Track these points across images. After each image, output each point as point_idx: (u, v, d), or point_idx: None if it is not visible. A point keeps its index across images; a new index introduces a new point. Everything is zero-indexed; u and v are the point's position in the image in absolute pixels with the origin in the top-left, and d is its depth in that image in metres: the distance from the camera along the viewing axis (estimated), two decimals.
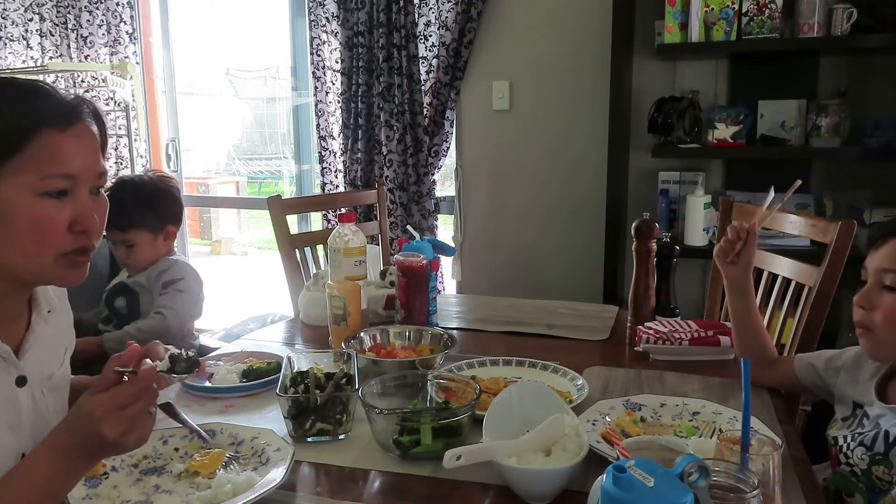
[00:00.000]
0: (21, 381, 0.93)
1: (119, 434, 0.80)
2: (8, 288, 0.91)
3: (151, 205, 1.87)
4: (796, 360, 1.34)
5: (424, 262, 1.64)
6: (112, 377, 0.83)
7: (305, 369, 1.25)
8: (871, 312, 1.12)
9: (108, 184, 1.24)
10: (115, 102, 3.44)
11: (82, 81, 3.52)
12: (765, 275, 1.74)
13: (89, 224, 0.89)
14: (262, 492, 0.94)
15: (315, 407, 1.13)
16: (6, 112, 0.85)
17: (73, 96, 0.91)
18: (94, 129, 0.92)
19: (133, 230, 1.85)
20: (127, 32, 3.40)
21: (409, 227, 2.60)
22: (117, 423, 0.80)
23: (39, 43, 3.51)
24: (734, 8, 2.29)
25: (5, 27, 3.52)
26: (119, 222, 1.82)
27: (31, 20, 3.49)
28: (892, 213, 2.24)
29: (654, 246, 1.64)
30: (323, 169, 3.11)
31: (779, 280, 1.69)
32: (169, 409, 1.09)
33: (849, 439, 1.17)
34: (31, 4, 3.47)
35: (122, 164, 3.46)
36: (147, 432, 0.84)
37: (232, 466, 1.04)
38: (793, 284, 1.64)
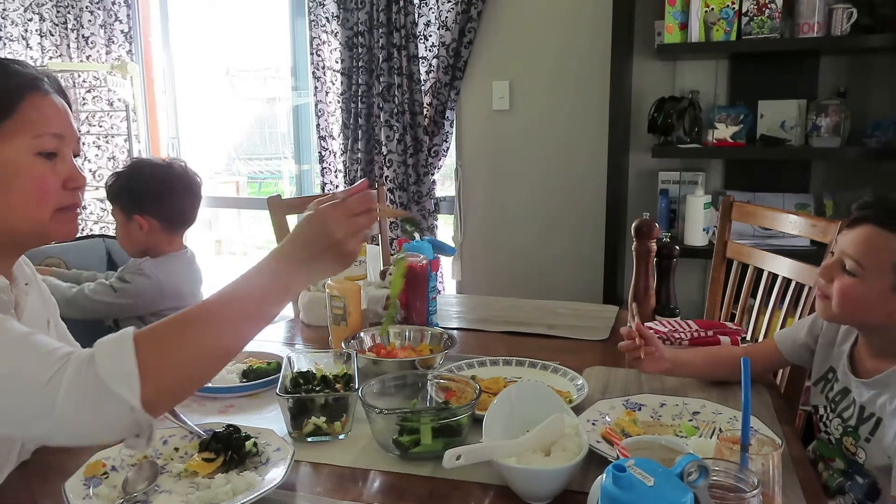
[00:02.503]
0: None
1: (344, 234, 0.88)
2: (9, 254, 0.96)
3: (128, 186, 1.78)
4: (777, 339, 1.36)
5: (424, 262, 1.64)
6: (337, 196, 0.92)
7: (305, 369, 1.25)
8: (829, 284, 1.17)
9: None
10: (112, 103, 3.44)
11: (83, 81, 3.52)
12: (765, 275, 1.74)
13: (81, 181, 0.98)
14: (262, 492, 0.94)
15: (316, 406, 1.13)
16: None
17: (38, 69, 0.99)
18: (62, 101, 0.99)
19: (112, 204, 1.81)
20: (124, 32, 3.40)
21: (409, 227, 2.60)
22: (344, 225, 0.88)
23: (39, 43, 3.51)
24: (734, 8, 2.29)
25: (5, 27, 3.52)
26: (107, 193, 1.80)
27: (30, 20, 3.49)
28: None
29: (654, 246, 1.64)
30: (323, 169, 3.11)
31: (779, 280, 1.69)
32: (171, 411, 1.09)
33: (828, 410, 1.24)
34: (31, 4, 3.47)
35: (122, 164, 3.46)
36: (359, 245, 0.91)
37: (232, 466, 1.04)
38: (793, 284, 1.64)
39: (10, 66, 0.95)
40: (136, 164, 1.86)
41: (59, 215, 0.96)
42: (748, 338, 1.72)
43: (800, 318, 1.57)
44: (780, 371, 1.60)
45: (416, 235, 1.72)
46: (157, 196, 1.79)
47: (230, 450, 1.04)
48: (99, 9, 3.39)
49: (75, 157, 1.00)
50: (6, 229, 0.93)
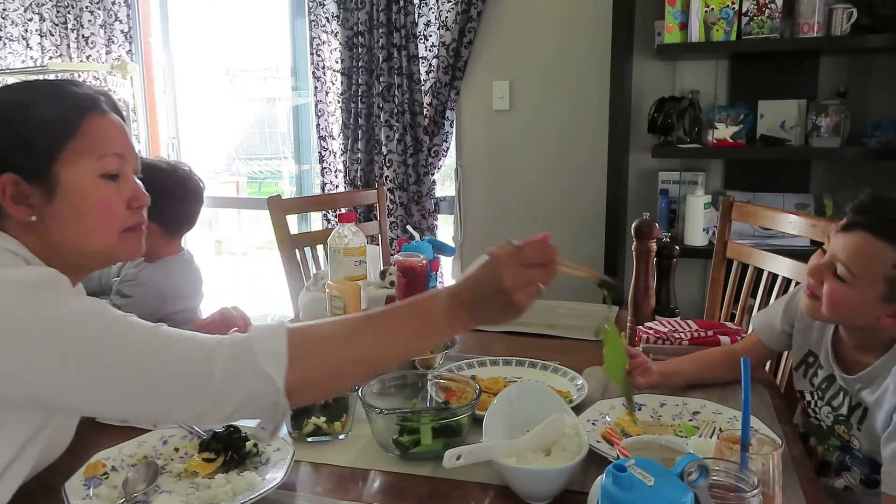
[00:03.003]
0: None
1: (513, 283, 0.87)
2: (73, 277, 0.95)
3: None
4: (757, 331, 1.37)
5: (424, 262, 1.64)
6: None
7: None
8: (819, 285, 1.16)
9: None
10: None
11: (84, 82, 3.51)
12: (765, 275, 1.74)
13: (145, 200, 0.99)
14: (262, 492, 0.94)
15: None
16: (56, 101, 0.91)
17: (95, 88, 0.98)
18: (118, 119, 0.99)
19: None
20: (124, 32, 3.40)
21: (409, 227, 2.60)
22: (515, 272, 0.88)
23: (39, 43, 3.51)
24: (734, 8, 2.29)
25: (5, 27, 3.52)
26: None
27: (30, 20, 3.49)
28: None
29: (654, 246, 1.64)
30: (323, 169, 3.11)
31: (779, 280, 1.69)
32: None
33: (816, 397, 1.25)
34: (31, 4, 3.46)
35: None
36: (531, 299, 0.89)
37: (232, 466, 1.04)
38: (793, 284, 1.63)
39: (67, 86, 0.94)
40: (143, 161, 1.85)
41: (125, 236, 0.96)
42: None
43: None
44: (780, 371, 1.61)
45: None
46: (158, 201, 1.77)
47: (230, 450, 1.04)
48: (99, 9, 3.38)
49: (136, 174, 1.00)
50: (75, 252, 0.93)
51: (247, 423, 1.02)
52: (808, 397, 1.28)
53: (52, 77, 3.47)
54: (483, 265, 0.91)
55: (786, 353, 1.53)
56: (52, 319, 0.78)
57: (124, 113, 1.03)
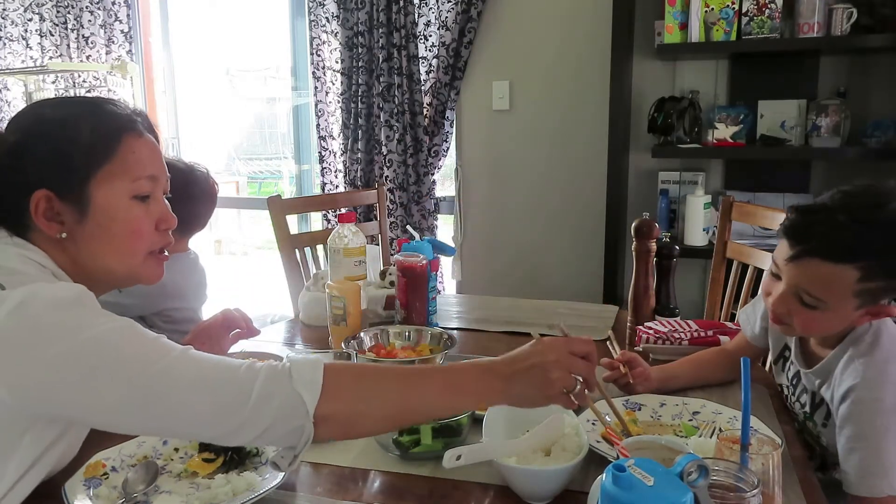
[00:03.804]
0: None
1: (556, 359, 0.89)
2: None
3: None
4: (742, 328, 1.38)
5: (424, 262, 1.64)
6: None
7: None
8: (788, 316, 1.12)
9: None
10: None
11: (83, 81, 3.52)
12: (765, 275, 1.74)
13: (172, 222, 0.99)
14: (262, 492, 0.94)
15: None
16: (93, 123, 0.91)
17: (131, 107, 0.98)
18: (152, 138, 0.99)
19: None
20: (124, 32, 3.40)
21: (409, 227, 2.60)
22: (561, 352, 0.90)
23: (39, 43, 3.51)
24: (734, 8, 2.29)
25: (5, 27, 3.52)
26: None
27: (30, 20, 3.49)
28: None
29: (654, 246, 1.64)
30: (323, 169, 3.11)
31: None
32: None
33: (789, 392, 1.26)
34: (30, 4, 3.47)
35: None
36: (566, 383, 0.90)
37: (232, 467, 1.04)
38: None
39: (105, 105, 0.95)
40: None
41: (150, 258, 0.97)
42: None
43: None
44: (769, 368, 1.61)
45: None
46: (177, 201, 1.79)
47: (230, 450, 1.04)
48: (99, 9, 3.39)
49: (165, 196, 1.00)
50: (100, 270, 0.94)
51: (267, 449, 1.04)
52: (786, 391, 1.28)
53: (85, 93, 3.49)
54: (531, 343, 0.94)
55: None
56: (86, 337, 0.78)
57: (157, 133, 1.04)
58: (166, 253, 1.00)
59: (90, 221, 0.91)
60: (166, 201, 0.99)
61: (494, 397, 0.91)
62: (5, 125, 0.95)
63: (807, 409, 1.21)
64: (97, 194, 0.90)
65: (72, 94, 1.02)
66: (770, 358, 1.34)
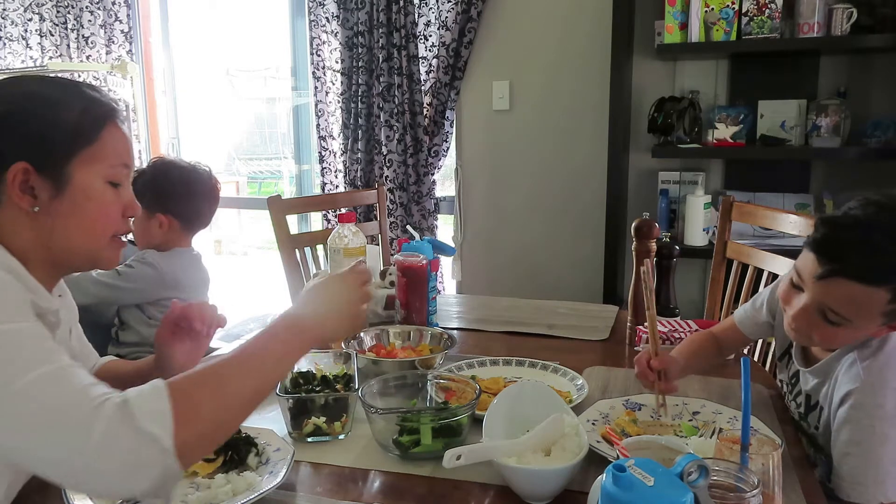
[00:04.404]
0: None
1: (360, 299, 1.00)
2: (48, 275, 0.95)
3: (154, 184, 1.82)
4: (738, 321, 1.36)
5: (424, 262, 1.64)
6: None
7: (305, 369, 1.25)
8: (808, 331, 1.09)
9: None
10: None
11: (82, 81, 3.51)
12: (765, 275, 1.74)
13: (137, 211, 1.01)
14: (262, 492, 0.94)
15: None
16: (81, 107, 0.93)
17: (112, 98, 1.00)
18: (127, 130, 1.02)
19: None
20: (124, 32, 3.40)
21: (409, 227, 2.60)
22: (363, 294, 1.00)
23: (39, 43, 3.51)
24: (734, 8, 2.29)
25: (5, 27, 3.52)
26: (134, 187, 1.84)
27: (30, 20, 3.49)
28: None
29: (654, 246, 1.64)
30: (323, 169, 3.11)
31: None
32: None
33: (786, 390, 1.26)
34: (30, 4, 3.47)
35: None
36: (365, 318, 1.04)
37: (232, 467, 1.04)
38: None
39: (90, 93, 0.96)
40: (161, 164, 1.90)
41: (112, 242, 0.99)
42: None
43: None
44: (768, 364, 1.62)
45: None
46: (182, 197, 1.86)
47: (230, 450, 1.04)
48: (99, 9, 3.39)
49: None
50: (65, 249, 0.94)
51: None
52: (784, 388, 1.28)
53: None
54: (325, 280, 1.01)
55: (773, 344, 1.53)
56: None
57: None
58: (124, 239, 1.02)
59: (65, 199, 0.91)
60: (132, 191, 1.02)
61: (315, 344, 0.95)
62: None
63: (801, 409, 1.20)
64: (77, 174, 0.92)
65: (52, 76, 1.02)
66: (775, 353, 1.33)
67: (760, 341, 1.70)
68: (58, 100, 0.92)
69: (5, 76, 1.05)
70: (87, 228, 0.94)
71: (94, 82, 3.45)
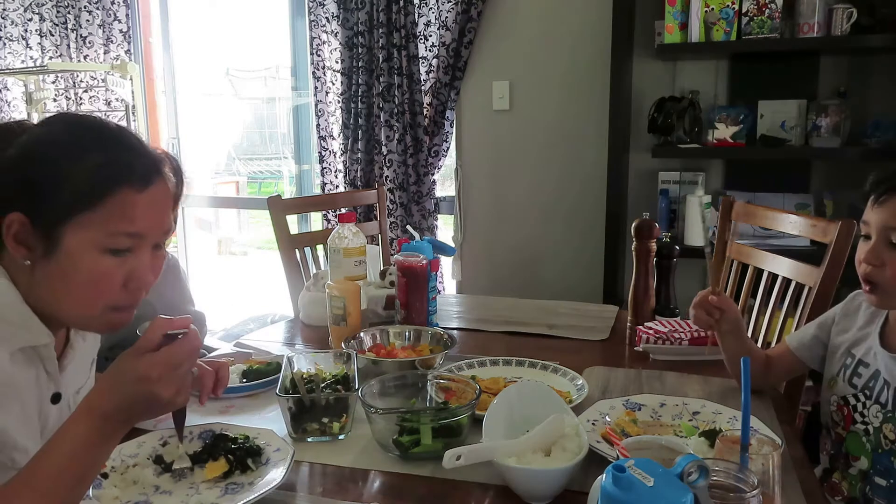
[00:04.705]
0: (56, 398, 0.94)
1: (173, 393, 0.79)
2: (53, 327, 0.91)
3: None
4: (790, 343, 1.34)
5: (424, 262, 1.64)
6: (160, 340, 0.81)
7: (305, 369, 1.25)
8: (880, 268, 1.12)
9: None
10: (110, 102, 3.44)
11: (81, 81, 3.52)
12: (765, 275, 1.74)
13: (144, 282, 0.90)
14: (262, 492, 0.94)
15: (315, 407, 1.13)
16: (94, 165, 0.84)
17: (158, 152, 0.91)
18: (173, 183, 0.92)
19: None
20: (124, 32, 3.40)
21: (409, 227, 2.60)
22: (173, 382, 0.79)
23: (39, 43, 3.51)
24: (734, 8, 2.29)
25: (5, 27, 3.52)
26: None
27: (30, 20, 3.49)
28: None
29: (654, 246, 1.64)
30: (323, 169, 3.11)
31: (779, 280, 1.69)
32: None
33: (862, 398, 1.19)
34: (30, 4, 3.47)
35: None
36: (188, 395, 0.84)
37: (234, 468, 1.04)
38: (793, 284, 1.63)
39: (120, 148, 0.87)
40: None
41: (109, 313, 0.89)
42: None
43: (799, 318, 1.57)
44: None
45: None
46: None
47: (234, 454, 1.03)
48: (99, 9, 3.39)
49: (164, 245, 0.93)
50: (53, 310, 0.88)
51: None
52: (851, 401, 1.21)
53: (50, 77, 3.46)
54: (119, 379, 0.80)
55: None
56: None
57: (184, 175, 0.96)
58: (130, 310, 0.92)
59: (54, 261, 0.85)
60: (152, 256, 0.91)
61: (119, 435, 0.81)
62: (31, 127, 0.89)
63: (889, 406, 1.14)
64: (68, 238, 0.84)
65: (101, 117, 0.94)
66: (827, 374, 1.28)
67: None
68: (74, 151, 0.84)
69: (60, 112, 0.97)
70: (75, 297, 0.87)
71: (93, 82, 3.46)
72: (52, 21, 3.47)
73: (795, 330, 1.55)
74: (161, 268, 0.94)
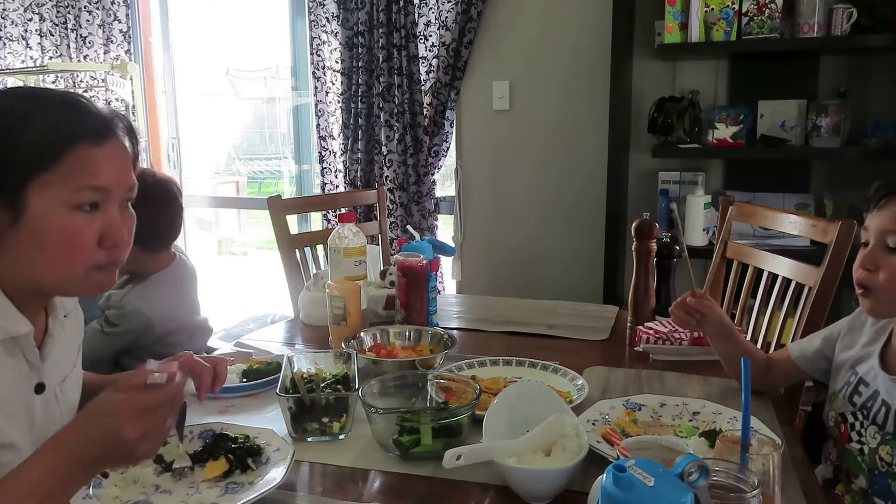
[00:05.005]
0: (39, 388, 0.93)
1: (139, 436, 0.76)
2: (29, 298, 0.90)
3: None
4: (791, 351, 1.33)
5: (424, 262, 1.64)
6: (140, 383, 0.79)
7: (305, 369, 1.25)
8: (874, 273, 1.11)
9: None
10: (110, 102, 3.44)
11: (81, 81, 3.52)
12: (765, 275, 1.74)
13: (118, 238, 0.89)
14: (262, 492, 0.94)
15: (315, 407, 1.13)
16: (44, 126, 0.84)
17: (107, 110, 0.91)
18: (127, 143, 0.92)
19: None
20: (124, 32, 3.40)
21: (409, 227, 2.59)
22: (141, 424, 0.76)
23: (39, 43, 3.51)
24: (734, 8, 2.29)
25: (5, 27, 3.52)
26: None
27: (30, 20, 3.49)
28: None
29: (654, 246, 1.64)
30: (323, 169, 3.11)
31: (779, 280, 1.69)
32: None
33: (860, 417, 1.18)
34: (30, 4, 3.47)
35: None
36: (157, 446, 0.81)
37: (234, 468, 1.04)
38: (793, 284, 1.64)
39: (70, 108, 0.86)
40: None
41: (94, 273, 0.88)
42: (747, 338, 1.72)
43: (800, 318, 1.57)
44: None
45: None
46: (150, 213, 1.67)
47: (234, 453, 1.03)
48: (99, 9, 3.38)
49: (127, 203, 0.92)
50: (30, 280, 0.86)
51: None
52: (850, 419, 1.19)
53: (50, 78, 3.47)
54: (91, 414, 0.78)
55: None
56: None
57: (137, 135, 0.95)
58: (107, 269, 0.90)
59: (23, 227, 0.83)
60: (121, 215, 0.90)
61: (80, 477, 0.79)
62: None
63: (889, 428, 1.12)
64: (33, 201, 0.83)
65: (52, 87, 0.93)
66: (830, 389, 1.27)
67: None
68: (22, 116, 0.83)
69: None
70: (51, 260, 0.85)
71: (93, 82, 3.46)
72: (52, 21, 3.47)
73: (796, 331, 1.55)
74: (133, 228, 0.93)
